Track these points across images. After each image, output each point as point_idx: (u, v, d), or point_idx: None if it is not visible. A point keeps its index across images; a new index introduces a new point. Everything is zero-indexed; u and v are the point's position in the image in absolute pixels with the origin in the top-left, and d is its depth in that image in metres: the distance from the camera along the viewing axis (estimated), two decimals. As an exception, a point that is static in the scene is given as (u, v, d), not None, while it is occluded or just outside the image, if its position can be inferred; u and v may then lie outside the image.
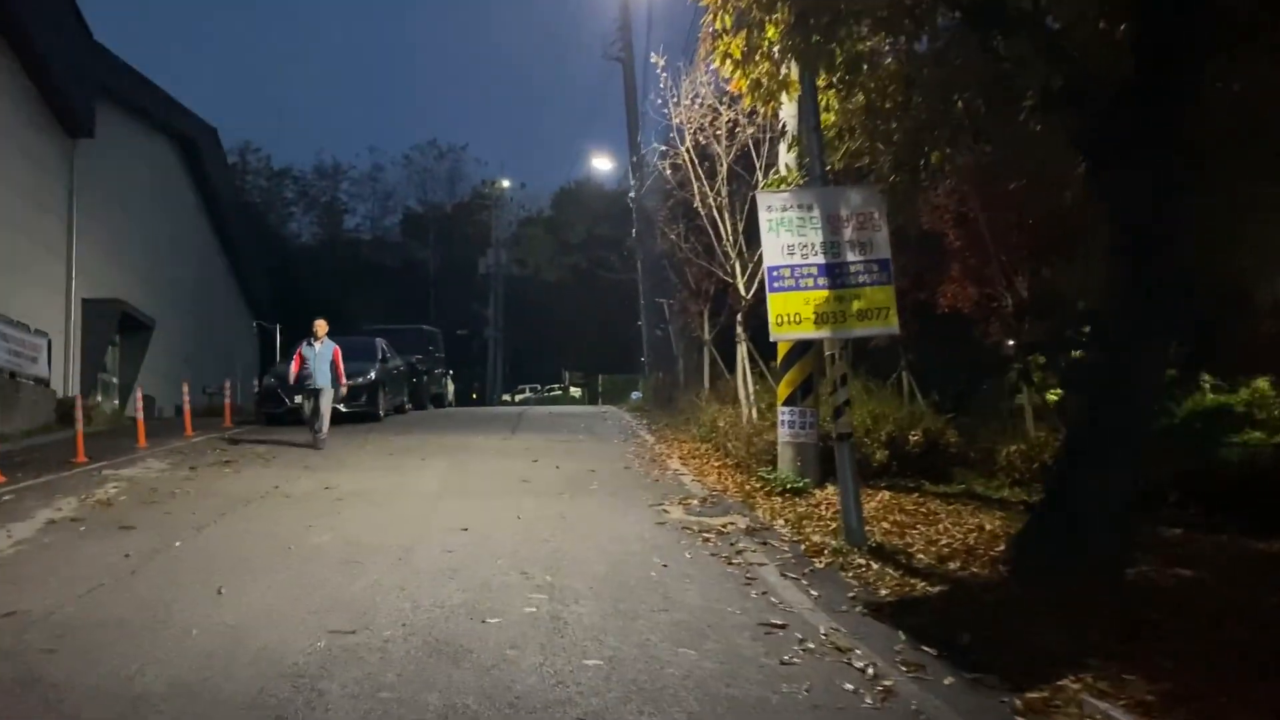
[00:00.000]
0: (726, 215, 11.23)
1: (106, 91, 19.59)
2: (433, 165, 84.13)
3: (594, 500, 8.37)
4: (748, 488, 8.95)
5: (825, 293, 6.91)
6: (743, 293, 11.22)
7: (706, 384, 14.69)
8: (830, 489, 8.66)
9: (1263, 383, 15.31)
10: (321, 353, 12.45)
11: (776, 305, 6.93)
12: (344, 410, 15.57)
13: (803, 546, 6.80)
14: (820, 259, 6.94)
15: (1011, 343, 12.10)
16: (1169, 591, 5.70)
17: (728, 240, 11.26)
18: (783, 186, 8.29)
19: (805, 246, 6.98)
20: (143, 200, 21.94)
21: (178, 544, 6.52)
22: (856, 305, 6.90)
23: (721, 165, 11.13)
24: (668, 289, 22.60)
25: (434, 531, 6.98)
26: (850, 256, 6.96)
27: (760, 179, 10.88)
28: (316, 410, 12.19)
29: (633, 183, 27.39)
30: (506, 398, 52.48)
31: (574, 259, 44.30)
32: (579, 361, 49.28)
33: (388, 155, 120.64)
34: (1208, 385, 16.43)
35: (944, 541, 6.87)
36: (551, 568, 5.98)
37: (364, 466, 10.33)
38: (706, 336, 14.77)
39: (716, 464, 10.42)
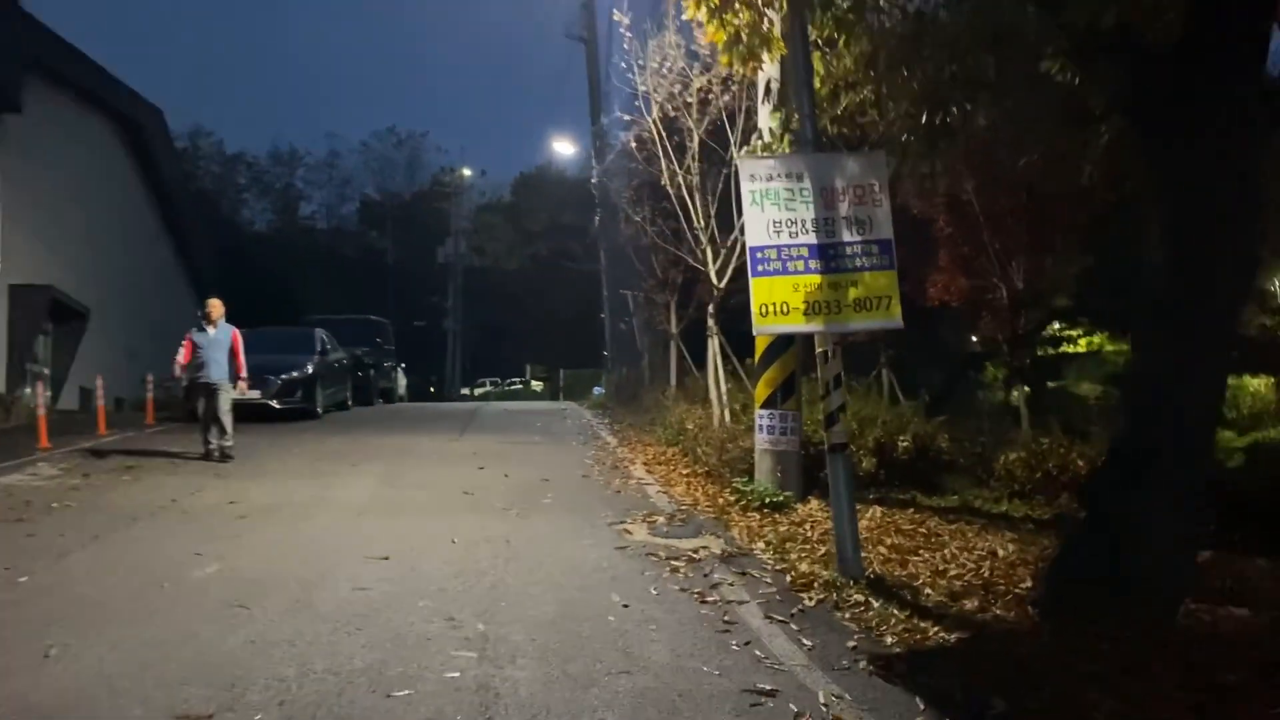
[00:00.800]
0: (697, 195, 10.13)
1: (38, 65, 18.03)
2: (392, 153, 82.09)
3: (545, 518, 7.24)
4: (721, 501, 7.88)
5: (817, 278, 5.84)
6: (715, 282, 10.15)
7: (673, 381, 13.62)
8: (815, 504, 7.62)
9: (1256, 381, 14.71)
10: (217, 339, 10.34)
11: (761, 293, 5.85)
12: (277, 407, 14.32)
13: (789, 577, 5.74)
14: (812, 238, 5.87)
15: (998, 337, 11.16)
16: (1236, 640, 4.72)
17: (698, 224, 10.17)
18: (766, 154, 7.20)
19: (794, 223, 5.90)
20: (80, 182, 20.46)
21: (24, 579, 5.29)
22: (853, 293, 5.84)
23: (692, 139, 10.03)
24: (632, 280, 21.51)
25: (348, 560, 5.82)
26: (847, 236, 5.89)
27: (736, 154, 9.80)
28: (213, 413, 9.98)
29: (595, 168, 26.23)
30: (465, 392, 51.09)
31: (535, 248, 42.99)
32: (541, 355, 48.04)
33: (345, 142, 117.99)
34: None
35: (954, 572, 5.85)
36: (486, 611, 4.85)
37: (285, 474, 9.11)
38: (674, 330, 13.70)
39: (685, 472, 9.35)
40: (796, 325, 5.88)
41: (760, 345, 7.90)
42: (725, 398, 9.72)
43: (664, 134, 10.19)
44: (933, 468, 9.25)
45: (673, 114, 10.26)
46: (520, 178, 44.25)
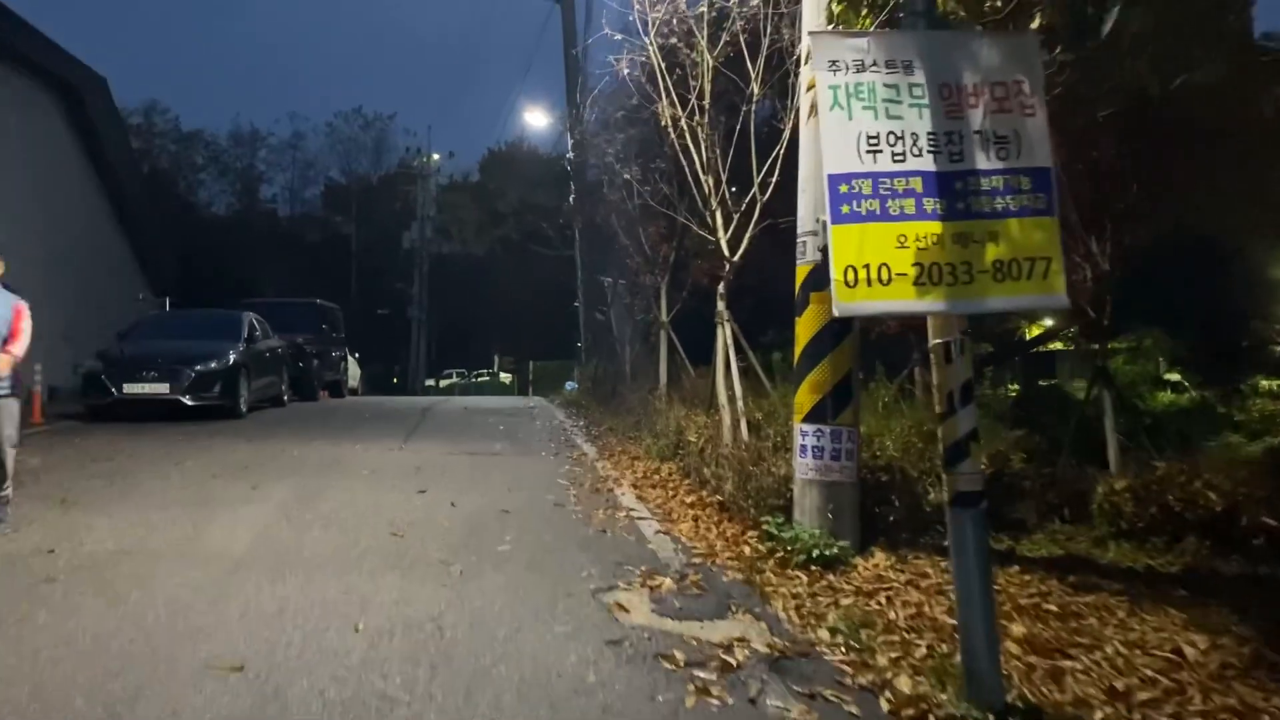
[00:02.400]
0: (703, 144, 7.91)
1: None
2: (358, 134, 79.28)
3: (501, 579, 5.02)
4: (747, 550, 5.70)
5: (936, 227, 3.67)
6: (726, 254, 7.94)
7: (663, 379, 11.42)
8: (880, 557, 5.48)
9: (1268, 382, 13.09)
10: None
11: (846, 249, 3.67)
12: (189, 404, 11.97)
13: (883, 701, 3.59)
14: (927, 163, 3.71)
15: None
16: None
17: (706, 181, 7.95)
18: (851, 33, 4.87)
19: (900, 139, 3.73)
20: (4, 153, 18.26)
21: None
22: (992, 252, 3.68)
23: (698, 70, 7.79)
24: (611, 264, 19.34)
25: (177, 673, 3.57)
26: (982, 161, 3.73)
27: (756, 89, 7.61)
28: None
29: (570, 141, 23.93)
30: (430, 383, 48.60)
31: (504, 230, 40.49)
32: (511, 345, 45.66)
33: (309, 123, 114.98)
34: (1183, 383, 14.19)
35: (1142, 696, 3.71)
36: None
37: (157, 500, 6.80)
38: (664, 317, 11.49)
39: (689, 500, 7.16)
40: (904, 301, 3.69)
41: (803, 333, 5.72)
42: (740, 403, 7.52)
43: (663, 68, 7.96)
44: (1005, 494, 7.17)
45: (675, 42, 8.04)
46: (489, 155, 41.62)
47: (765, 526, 5.75)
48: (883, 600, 4.81)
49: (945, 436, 3.74)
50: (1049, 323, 12.58)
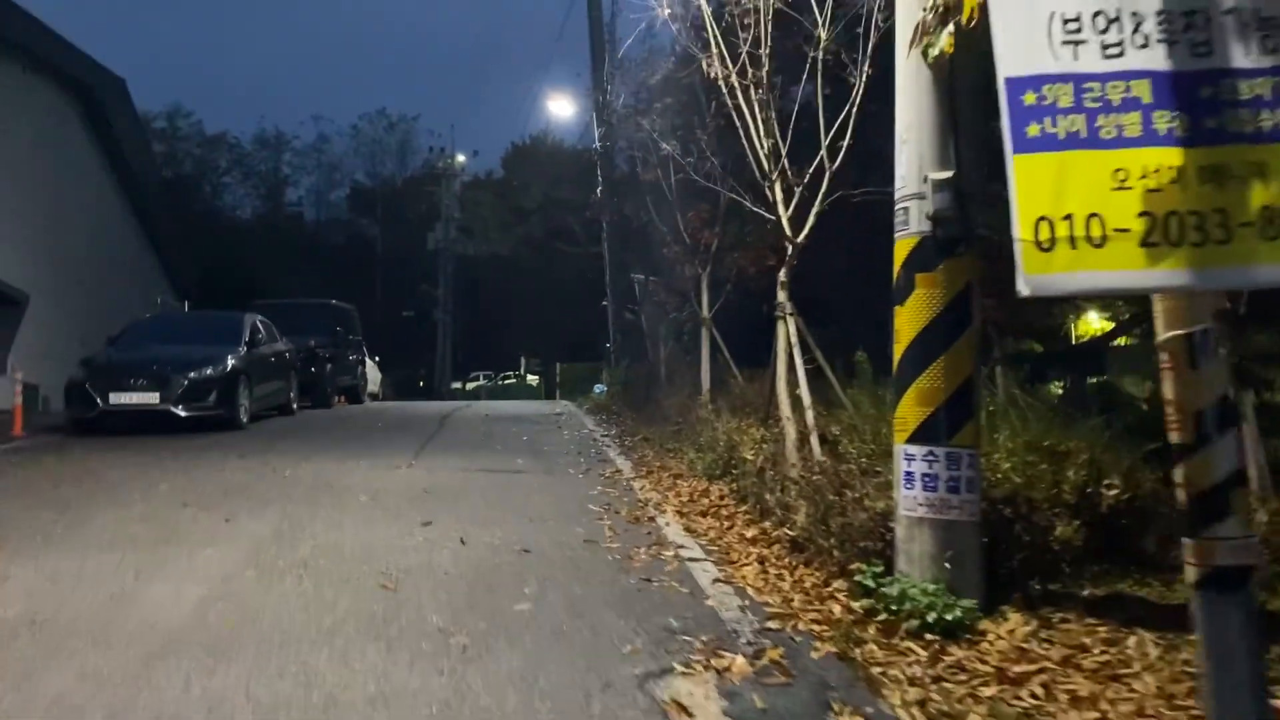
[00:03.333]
0: (759, 103, 6.61)
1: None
2: (382, 136, 78.88)
3: (515, 659, 3.76)
4: (836, 608, 4.41)
5: (1174, 156, 2.38)
6: (788, 234, 6.64)
7: (706, 383, 10.13)
8: (1015, 620, 4.17)
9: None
10: None
11: (1036, 193, 2.39)
12: (182, 415, 10.90)
13: None
14: (1156, 57, 2.42)
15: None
16: None
17: (762, 146, 6.65)
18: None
19: (1114, 21, 2.44)
20: (20, 155, 17.73)
21: None
22: (1261, 193, 2.38)
23: (755, 18, 6.49)
24: (643, 258, 18.13)
25: None
26: (1239, 56, 2.44)
27: (823, 34, 6.32)
28: None
29: (597, 131, 22.73)
30: (456, 386, 47.67)
31: (529, 228, 39.32)
32: (537, 346, 44.56)
33: (334, 125, 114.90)
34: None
35: None
36: None
37: (102, 540, 5.62)
38: (705, 313, 10.21)
39: (749, 532, 5.88)
40: (1128, 273, 2.39)
41: (906, 327, 4.41)
42: (810, 413, 6.22)
43: (710, 10, 6.68)
44: (1140, 525, 5.82)
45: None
46: (512, 150, 40.33)
47: (859, 578, 4.45)
48: (1038, 691, 3.49)
49: (1189, 481, 2.43)
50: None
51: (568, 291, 40.11)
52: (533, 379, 43.75)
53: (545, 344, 43.27)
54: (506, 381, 45.56)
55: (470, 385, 47.98)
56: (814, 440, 6.02)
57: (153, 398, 10.89)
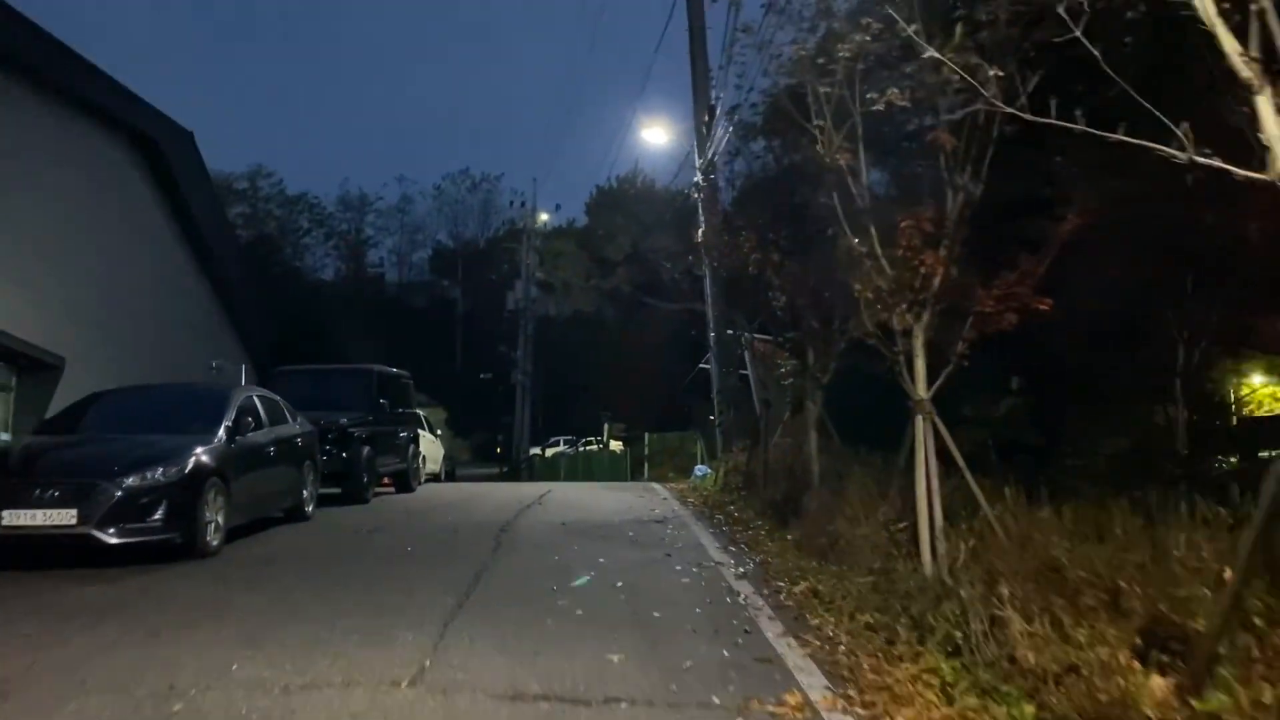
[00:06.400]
0: None
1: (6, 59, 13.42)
2: (465, 197, 77.55)
3: None
4: None
5: None
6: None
7: (927, 503, 5.97)
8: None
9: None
10: None
11: None
12: (111, 543, 7.21)
13: None
14: None
15: None
16: None
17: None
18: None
19: None
20: (70, 212, 15.88)
21: None
22: None
23: None
24: (751, 307, 14.29)
25: None
26: None
27: None
28: None
29: (698, 163, 19.05)
30: (536, 451, 44.13)
31: (614, 281, 35.66)
32: (621, 412, 40.77)
33: (417, 186, 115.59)
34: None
35: None
36: None
37: None
38: (923, 393, 6.11)
39: None
40: None
41: None
42: None
43: None
44: None
45: None
46: (597, 194, 36.78)
47: None
48: None
49: None
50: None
51: (656, 352, 36.42)
52: (616, 446, 39.85)
53: (630, 409, 39.52)
54: (589, 448, 41.81)
55: (550, 452, 44.40)
56: None
57: (68, 516, 7.28)
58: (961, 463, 5.98)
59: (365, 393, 14.30)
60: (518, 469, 42.30)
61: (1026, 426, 9.61)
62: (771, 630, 5.81)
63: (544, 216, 46.04)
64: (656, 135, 20.56)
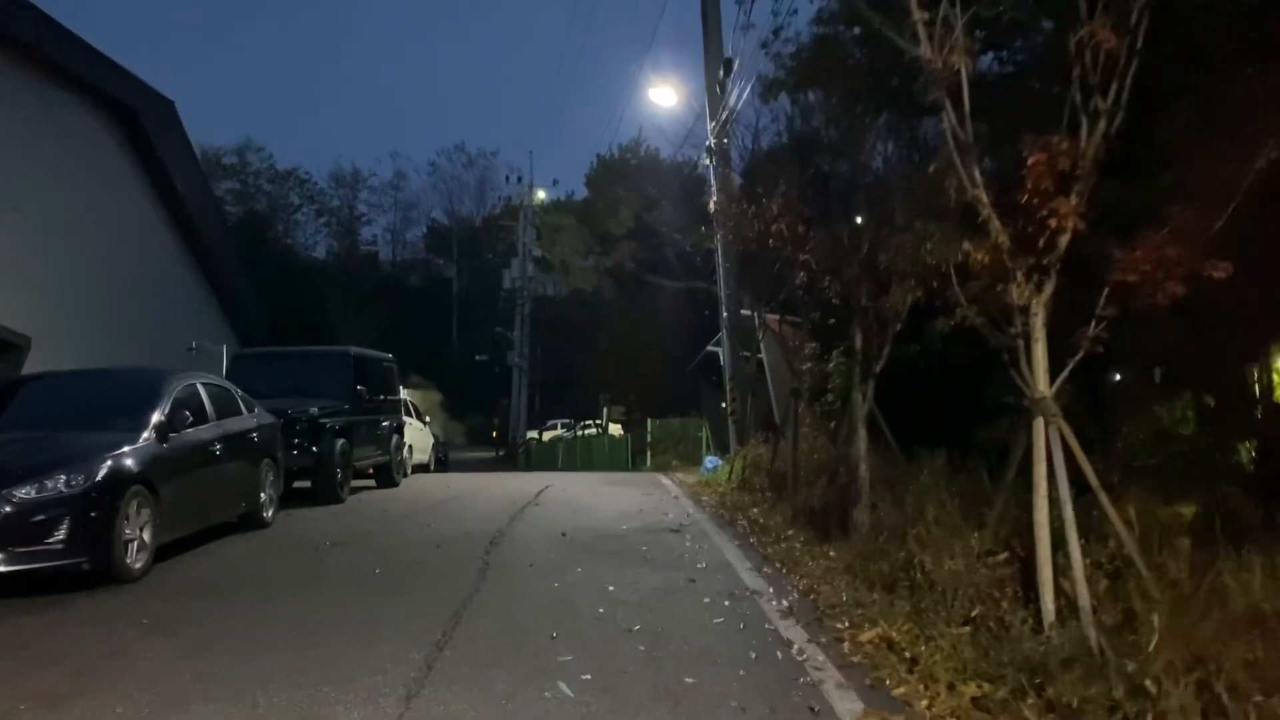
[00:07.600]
0: None
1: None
2: (460, 173, 75.52)
3: None
4: None
5: None
6: None
7: (1044, 531, 4.49)
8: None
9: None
10: None
11: None
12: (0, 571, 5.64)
13: None
14: None
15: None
16: None
17: None
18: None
19: None
20: (39, 185, 14.99)
21: None
22: None
23: None
24: (764, 284, 12.87)
25: None
26: None
27: None
28: None
29: (710, 125, 17.44)
30: (533, 435, 42.56)
31: (616, 257, 34.01)
32: (620, 395, 39.19)
33: (411, 162, 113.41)
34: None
35: None
36: None
37: None
38: (1045, 389, 4.59)
39: None
40: None
41: None
42: None
43: None
44: None
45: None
46: (598, 164, 34.92)
47: None
48: None
49: None
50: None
51: (658, 333, 34.88)
52: (616, 429, 38.28)
53: (630, 392, 37.96)
54: (587, 433, 40.30)
55: (547, 435, 42.82)
56: None
57: (-61, 537, 5.78)
58: (1095, 481, 4.48)
59: (341, 378, 12.73)
60: (514, 454, 40.86)
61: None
62: (844, 704, 4.32)
63: (541, 194, 44.27)
64: (665, 96, 18.91)
